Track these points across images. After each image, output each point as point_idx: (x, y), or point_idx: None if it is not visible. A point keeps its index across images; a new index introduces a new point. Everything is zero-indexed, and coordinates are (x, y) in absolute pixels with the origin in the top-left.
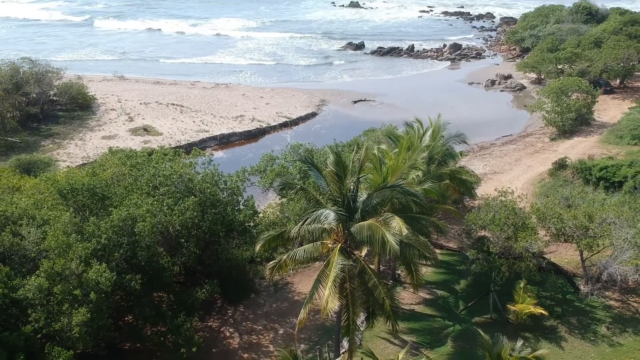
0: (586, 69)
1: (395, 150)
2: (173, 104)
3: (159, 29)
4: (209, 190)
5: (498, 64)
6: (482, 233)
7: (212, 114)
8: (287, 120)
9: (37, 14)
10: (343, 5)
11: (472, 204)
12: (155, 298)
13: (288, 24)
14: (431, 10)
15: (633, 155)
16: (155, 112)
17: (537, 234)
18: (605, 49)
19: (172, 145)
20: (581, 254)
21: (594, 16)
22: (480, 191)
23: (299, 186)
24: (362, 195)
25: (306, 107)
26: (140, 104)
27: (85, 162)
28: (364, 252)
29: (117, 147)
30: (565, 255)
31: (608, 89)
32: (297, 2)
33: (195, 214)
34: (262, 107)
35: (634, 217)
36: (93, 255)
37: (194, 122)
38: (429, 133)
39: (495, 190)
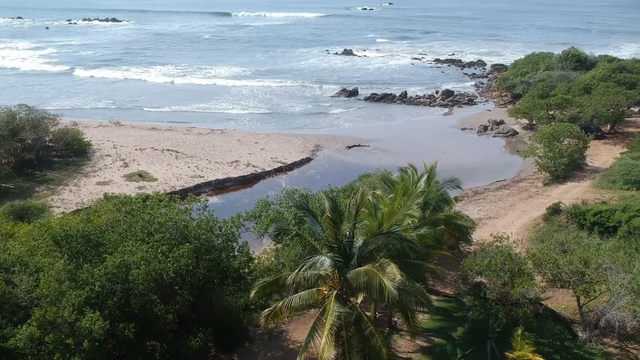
0: (577, 114)
1: (391, 195)
2: (168, 150)
3: (152, 78)
4: (203, 236)
5: (490, 110)
6: (479, 279)
7: (207, 160)
8: (282, 165)
9: (20, 64)
10: (337, 53)
11: (468, 250)
12: (148, 347)
13: (283, 71)
14: (423, 58)
15: (626, 200)
16: (150, 158)
17: (534, 279)
18: (595, 95)
19: (167, 191)
20: (578, 300)
21: (582, 63)
22: (475, 236)
23: (294, 232)
24: (358, 241)
25: (301, 152)
26: (136, 149)
27: (80, 208)
28: (360, 299)
29: (112, 193)
30: (562, 301)
31: (599, 134)
32: (292, 49)
33: (190, 260)
34: (257, 152)
35: (630, 262)
36: (86, 303)
37: (189, 167)
38: (423, 178)
39: (491, 235)
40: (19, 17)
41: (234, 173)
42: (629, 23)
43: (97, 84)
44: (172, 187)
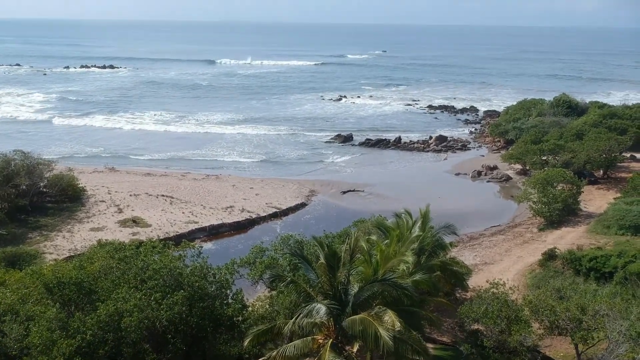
0: (570, 160)
1: (386, 241)
2: (163, 195)
3: (148, 124)
4: (197, 283)
5: (483, 155)
6: (476, 326)
7: (201, 205)
8: (277, 210)
9: (15, 111)
10: (331, 99)
11: (464, 296)
12: None
13: (277, 117)
14: (416, 104)
15: (621, 245)
16: (144, 204)
17: (531, 327)
18: (587, 140)
19: (161, 237)
20: (576, 348)
21: (574, 109)
22: (471, 282)
23: (289, 279)
24: (354, 288)
25: (296, 197)
26: (130, 195)
27: (73, 254)
28: (355, 348)
29: (105, 239)
30: (560, 349)
31: (592, 179)
32: (287, 95)
33: (183, 308)
34: (252, 197)
35: (627, 308)
36: (77, 353)
37: (183, 213)
38: (418, 224)
39: (487, 281)
40: (17, 64)
41: (229, 219)
42: (618, 70)
43: (92, 130)
44: (166, 233)
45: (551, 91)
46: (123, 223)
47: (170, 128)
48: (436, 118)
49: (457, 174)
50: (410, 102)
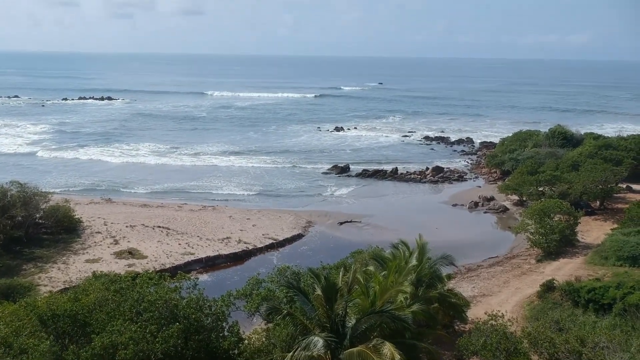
0: (566, 191)
1: (383, 272)
2: (159, 227)
3: (144, 155)
4: (193, 316)
5: (480, 186)
6: (475, 359)
7: (198, 237)
8: (274, 241)
9: (11, 143)
10: (328, 130)
11: (462, 328)
12: None
13: (274, 148)
14: (412, 135)
15: (620, 276)
16: (141, 235)
17: (530, 359)
18: (583, 171)
19: (157, 269)
20: None
21: (569, 140)
22: (470, 314)
23: (286, 311)
24: (351, 320)
25: (292, 228)
26: (126, 226)
27: (67, 286)
28: None
29: (101, 271)
30: None
31: (589, 210)
32: (283, 127)
33: (179, 341)
34: (248, 228)
35: (627, 340)
36: None
37: (179, 244)
38: (415, 255)
39: (486, 313)
40: (16, 96)
41: (225, 250)
42: (612, 102)
43: (88, 161)
44: (162, 264)
45: (546, 123)
46: (119, 254)
47: (166, 159)
48: (432, 149)
49: (454, 205)
50: (406, 134)
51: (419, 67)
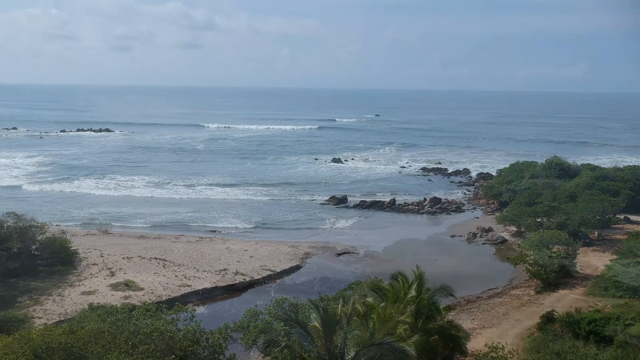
0: (564, 221)
1: (382, 304)
2: (156, 258)
3: (141, 187)
4: (190, 348)
5: (478, 217)
6: None
7: (195, 268)
8: (271, 273)
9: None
10: (326, 161)
11: None
12: None
13: (272, 179)
14: (410, 166)
15: (620, 307)
16: (137, 267)
17: None
18: (581, 202)
19: (153, 301)
20: None
21: (566, 171)
22: (470, 346)
23: (283, 344)
24: (350, 353)
25: (290, 259)
26: (123, 258)
27: (63, 319)
28: None
29: (97, 303)
30: None
31: (587, 241)
32: (281, 158)
33: None
34: (246, 260)
35: None
36: None
37: (176, 276)
38: (414, 286)
39: (486, 345)
40: (14, 128)
41: (222, 282)
42: (607, 134)
43: (85, 193)
44: (159, 296)
45: (542, 154)
46: (115, 286)
47: (163, 191)
48: (430, 180)
49: (453, 236)
50: (404, 165)
51: (414, 100)
